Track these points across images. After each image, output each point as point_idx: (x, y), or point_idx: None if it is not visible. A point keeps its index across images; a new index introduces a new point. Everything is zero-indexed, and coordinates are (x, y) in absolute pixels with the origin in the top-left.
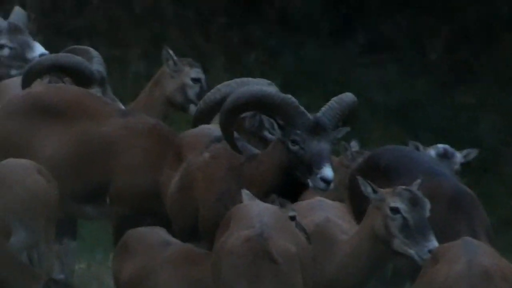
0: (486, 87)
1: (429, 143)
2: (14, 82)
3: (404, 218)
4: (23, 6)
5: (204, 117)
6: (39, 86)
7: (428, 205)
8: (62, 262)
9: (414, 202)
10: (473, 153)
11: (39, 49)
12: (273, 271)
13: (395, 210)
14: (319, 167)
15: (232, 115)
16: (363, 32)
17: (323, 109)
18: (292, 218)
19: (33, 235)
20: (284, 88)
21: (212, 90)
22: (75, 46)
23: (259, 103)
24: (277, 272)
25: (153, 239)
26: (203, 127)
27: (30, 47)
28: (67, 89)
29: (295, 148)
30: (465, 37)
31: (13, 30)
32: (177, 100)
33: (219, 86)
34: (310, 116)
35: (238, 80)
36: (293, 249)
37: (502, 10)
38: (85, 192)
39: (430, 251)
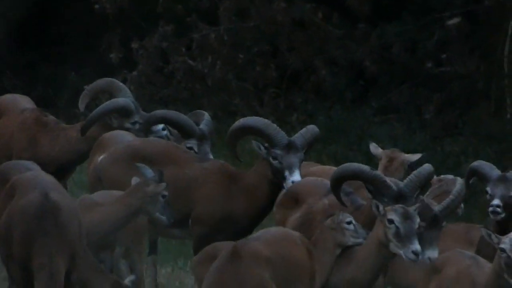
0: (467, 139)
1: None
2: (117, 133)
3: (397, 227)
4: (125, 80)
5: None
6: (136, 140)
7: (417, 219)
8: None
9: (406, 216)
10: None
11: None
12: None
13: (391, 221)
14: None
15: (338, 182)
16: (376, 98)
17: (405, 181)
18: (349, 223)
19: (123, 250)
20: (317, 141)
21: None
22: (197, 111)
23: (356, 176)
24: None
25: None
26: (317, 179)
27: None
28: (157, 141)
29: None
30: (451, 103)
31: (138, 108)
32: None
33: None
34: (394, 187)
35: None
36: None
37: (478, 84)
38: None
39: (413, 252)
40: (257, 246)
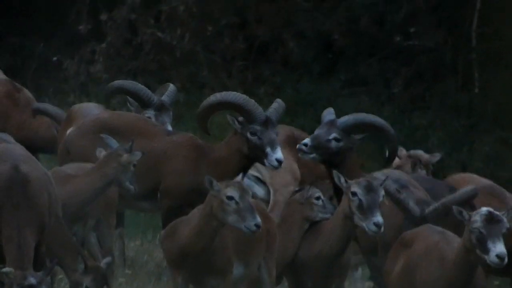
0: (434, 113)
1: None
2: (86, 107)
3: (359, 199)
4: (93, 52)
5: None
6: (105, 112)
7: (381, 192)
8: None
9: (369, 189)
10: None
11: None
12: None
13: (354, 194)
14: None
15: None
16: (344, 71)
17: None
18: (318, 198)
19: (93, 222)
20: (285, 114)
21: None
22: (166, 83)
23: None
24: None
25: None
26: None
27: None
28: (125, 114)
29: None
30: (419, 76)
31: None
32: None
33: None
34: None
35: None
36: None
37: (446, 58)
38: (142, 192)
39: (374, 223)
40: None
